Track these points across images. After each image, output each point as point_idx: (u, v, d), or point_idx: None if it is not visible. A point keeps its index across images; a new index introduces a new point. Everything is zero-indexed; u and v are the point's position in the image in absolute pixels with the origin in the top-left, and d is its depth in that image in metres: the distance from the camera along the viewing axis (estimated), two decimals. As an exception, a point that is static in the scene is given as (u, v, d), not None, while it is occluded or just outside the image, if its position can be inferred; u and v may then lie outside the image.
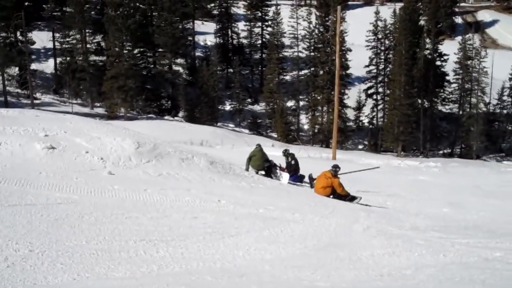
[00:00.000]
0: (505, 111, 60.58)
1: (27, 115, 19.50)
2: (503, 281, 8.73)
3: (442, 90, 60.31)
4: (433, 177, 27.46)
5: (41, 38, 60.75)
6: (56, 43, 60.58)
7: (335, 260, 9.46)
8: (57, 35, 60.56)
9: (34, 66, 56.85)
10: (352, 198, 16.92)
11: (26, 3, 59.73)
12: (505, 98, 60.39)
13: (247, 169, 20.07)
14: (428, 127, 56.60)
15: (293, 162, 20.30)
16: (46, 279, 6.82)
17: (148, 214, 11.05)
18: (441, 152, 58.45)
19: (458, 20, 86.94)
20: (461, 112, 59.49)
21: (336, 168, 17.22)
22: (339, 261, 9.38)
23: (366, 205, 16.58)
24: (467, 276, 8.80)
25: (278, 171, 20.22)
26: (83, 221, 9.75)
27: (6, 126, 15.71)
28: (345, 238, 11.28)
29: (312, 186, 18.79)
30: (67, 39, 58.74)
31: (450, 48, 60.83)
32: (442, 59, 59.71)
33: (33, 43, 58.15)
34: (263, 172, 19.97)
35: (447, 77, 60.19)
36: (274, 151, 26.36)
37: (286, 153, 20.78)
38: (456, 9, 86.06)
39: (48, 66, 60.91)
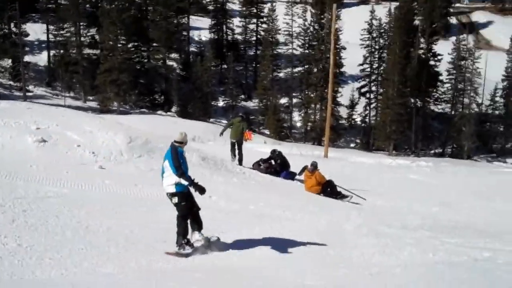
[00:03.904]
0: (497, 112, 60.71)
1: (19, 107, 19.42)
2: (492, 281, 8.76)
3: (435, 90, 60.31)
4: (424, 177, 27.44)
5: (35, 30, 60.48)
6: (50, 36, 60.13)
7: (325, 258, 9.46)
8: (51, 27, 60.04)
9: (27, 58, 56.39)
10: (343, 197, 16.96)
11: (21, -5, 59.42)
12: (497, 99, 60.50)
13: (221, 134, 21.03)
14: (420, 127, 56.63)
15: (279, 161, 20.17)
16: (34, 274, 6.80)
17: (138, 209, 11.02)
18: (432, 151, 58.52)
19: (453, 20, 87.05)
20: (453, 112, 59.56)
21: (312, 164, 17.48)
22: (329, 259, 9.39)
23: (357, 203, 16.60)
24: (456, 276, 8.83)
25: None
26: (73, 216, 9.71)
27: (-3, 118, 15.62)
28: (335, 236, 11.28)
29: (300, 173, 18.88)
30: (61, 32, 58.32)
31: (444, 48, 60.90)
32: (436, 59, 59.72)
33: (27, 35, 57.81)
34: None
35: (440, 77, 60.15)
36: (266, 148, 26.29)
37: (274, 154, 20.61)
38: (451, 10, 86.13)
39: (41, 59, 60.56)
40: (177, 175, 8.48)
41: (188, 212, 8.83)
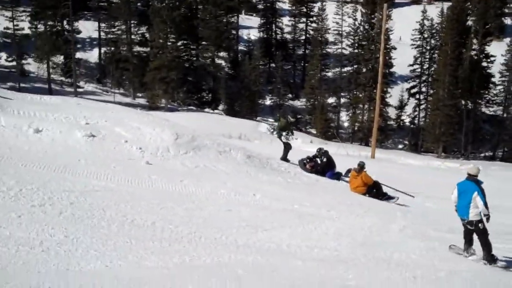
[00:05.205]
0: (552, 114, 59.10)
1: (69, 103, 19.82)
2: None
3: (487, 92, 59.05)
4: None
5: (87, 28, 61.61)
6: (102, 33, 61.30)
7: (368, 259, 9.35)
8: (102, 25, 61.26)
9: (78, 55, 57.67)
10: (389, 198, 16.74)
11: (74, -7, 60.69)
12: (552, 101, 58.89)
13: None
14: (471, 129, 55.49)
15: (324, 159, 19.90)
16: (79, 265, 6.90)
17: (183, 205, 11.09)
18: (482, 154, 57.24)
19: (508, 21, 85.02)
20: (505, 115, 58.20)
21: (359, 164, 17.27)
22: (373, 261, 9.27)
23: (403, 205, 16.36)
24: (506, 282, 8.63)
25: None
26: (119, 210, 9.84)
27: (48, 113, 15.94)
28: (380, 237, 11.14)
29: (346, 174, 18.79)
30: (112, 30, 59.45)
31: (497, 49, 59.57)
32: (488, 60, 58.47)
33: (79, 32, 58.93)
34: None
35: (493, 79, 58.86)
36: (313, 147, 26.14)
37: (320, 152, 20.32)
38: (506, 10, 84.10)
39: (92, 56, 61.71)
40: (486, 207, 10.25)
41: (487, 231, 10.36)
